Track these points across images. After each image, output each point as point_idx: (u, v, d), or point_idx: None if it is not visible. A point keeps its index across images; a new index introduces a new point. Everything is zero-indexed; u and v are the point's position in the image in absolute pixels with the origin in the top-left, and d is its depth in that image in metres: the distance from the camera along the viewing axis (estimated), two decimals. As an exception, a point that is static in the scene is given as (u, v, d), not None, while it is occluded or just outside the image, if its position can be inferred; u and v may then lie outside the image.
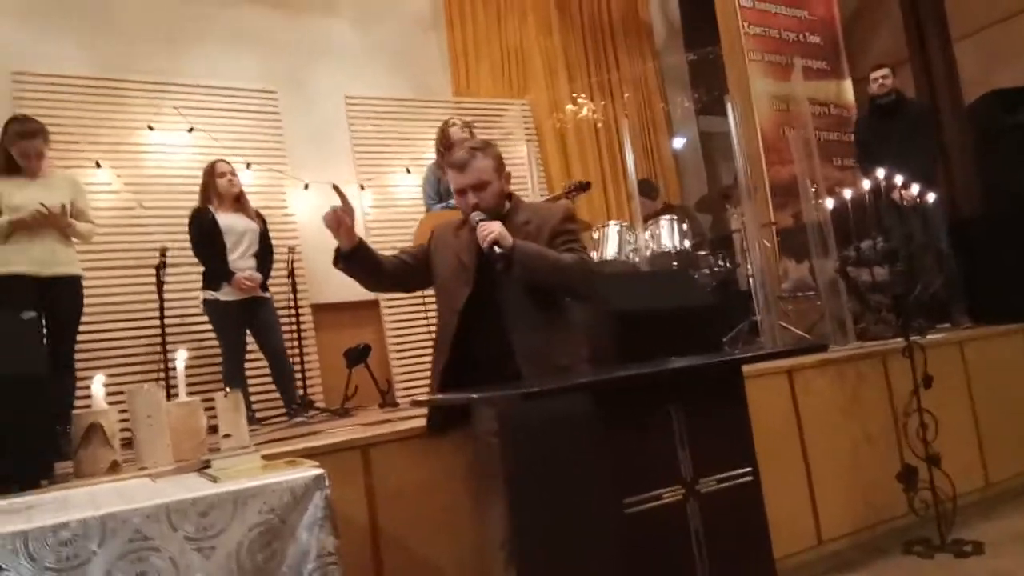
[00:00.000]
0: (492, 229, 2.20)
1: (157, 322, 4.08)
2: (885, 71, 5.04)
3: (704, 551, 1.59)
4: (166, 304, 4.11)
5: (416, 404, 2.27)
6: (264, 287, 4.16)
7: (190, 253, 4.16)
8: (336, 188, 2.32)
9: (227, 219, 4.11)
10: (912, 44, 6.27)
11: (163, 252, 4.14)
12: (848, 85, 6.21)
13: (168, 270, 4.15)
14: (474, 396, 1.70)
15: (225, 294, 4.02)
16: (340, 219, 2.24)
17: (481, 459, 2.25)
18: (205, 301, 4.07)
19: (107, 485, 2.03)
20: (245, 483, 1.62)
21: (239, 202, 4.20)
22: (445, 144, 4.28)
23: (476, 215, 2.29)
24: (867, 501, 3.23)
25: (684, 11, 7.40)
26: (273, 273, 4.30)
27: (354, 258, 2.32)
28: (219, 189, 4.13)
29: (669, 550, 1.57)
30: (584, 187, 3.43)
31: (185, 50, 5.24)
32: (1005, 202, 4.67)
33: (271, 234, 4.36)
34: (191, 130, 4.95)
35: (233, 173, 4.21)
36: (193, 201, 4.25)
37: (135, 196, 4.70)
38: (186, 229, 4.16)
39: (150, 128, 4.84)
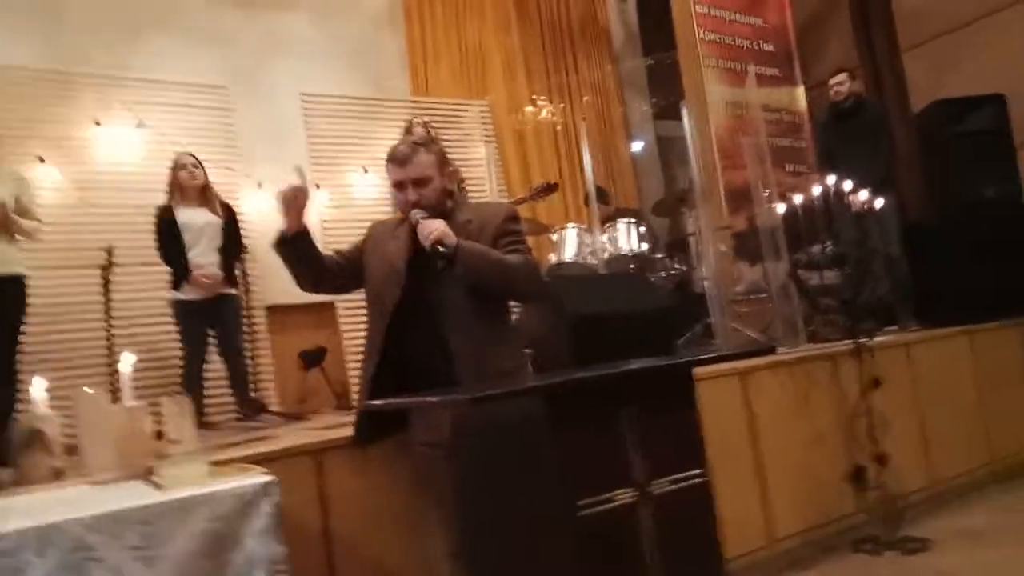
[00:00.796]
0: (434, 227, 2.11)
1: (103, 324, 3.97)
2: (843, 76, 5.17)
3: (655, 553, 1.60)
4: (114, 305, 4.00)
5: (357, 410, 2.17)
6: (232, 283, 4.07)
7: (139, 253, 4.06)
8: (298, 169, 2.26)
9: (186, 215, 4.00)
10: (862, 53, 6.43)
11: (109, 252, 4.03)
12: (800, 92, 6.34)
13: (117, 270, 4.04)
14: (426, 400, 1.68)
15: (187, 293, 3.93)
16: (296, 197, 2.19)
17: (419, 471, 2.18)
18: (171, 302, 3.98)
19: (49, 493, 1.96)
20: (190, 491, 1.58)
21: (204, 195, 4.09)
22: None
23: (417, 213, 2.20)
24: (818, 500, 3.29)
25: (642, 16, 7.47)
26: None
27: (297, 243, 2.25)
28: (180, 182, 4.03)
29: (621, 552, 1.58)
30: (551, 188, 3.40)
31: (135, 43, 5.10)
32: (951, 208, 4.81)
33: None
34: (140, 125, 4.82)
35: (195, 165, 4.09)
36: (141, 199, 4.14)
37: (81, 193, 4.56)
38: (134, 228, 4.06)
39: (97, 123, 4.70)
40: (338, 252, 2.48)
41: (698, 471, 1.68)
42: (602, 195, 5.78)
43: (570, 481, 1.51)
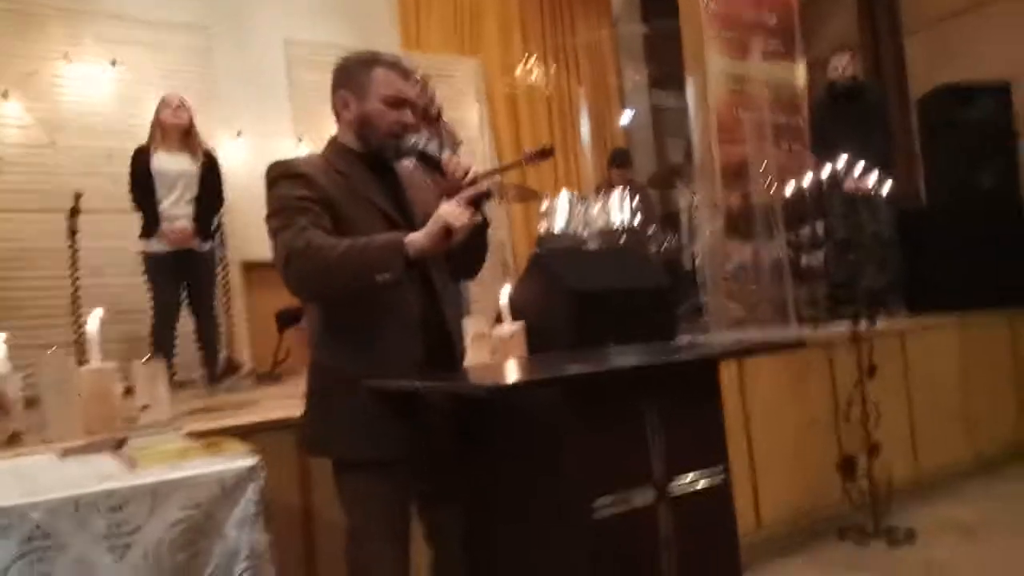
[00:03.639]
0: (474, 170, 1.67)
1: (68, 274, 3.74)
2: (846, 57, 5.02)
3: (672, 554, 1.50)
4: (82, 256, 3.77)
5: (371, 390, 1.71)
6: (207, 236, 3.86)
7: (111, 199, 3.83)
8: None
9: (164, 160, 3.78)
10: (864, 33, 6.31)
11: (77, 196, 3.78)
12: (801, 68, 6.19)
13: (84, 217, 3.80)
14: (441, 386, 1.54)
15: (157, 245, 3.73)
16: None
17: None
18: (141, 254, 3.78)
19: (5, 463, 1.79)
20: (166, 472, 1.43)
21: (186, 139, 3.85)
22: None
23: (438, 148, 1.75)
24: (806, 487, 3.25)
25: (643, -21, 7.24)
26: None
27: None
28: (162, 121, 3.78)
29: (637, 553, 1.48)
30: (547, 154, 3.20)
31: (110, -24, 4.79)
32: (948, 196, 4.75)
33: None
34: (114, 63, 4.53)
35: (180, 105, 3.84)
36: (114, 141, 3.91)
37: (48, 134, 4.28)
38: (104, 173, 3.82)
39: (66, 59, 4.41)
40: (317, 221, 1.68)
41: (720, 467, 1.57)
42: (626, 158, 5.61)
43: (587, 478, 1.39)
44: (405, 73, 1.79)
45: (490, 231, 1.82)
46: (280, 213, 1.62)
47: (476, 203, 1.62)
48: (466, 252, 1.73)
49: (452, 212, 1.55)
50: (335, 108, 1.81)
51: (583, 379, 1.42)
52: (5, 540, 1.25)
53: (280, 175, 1.68)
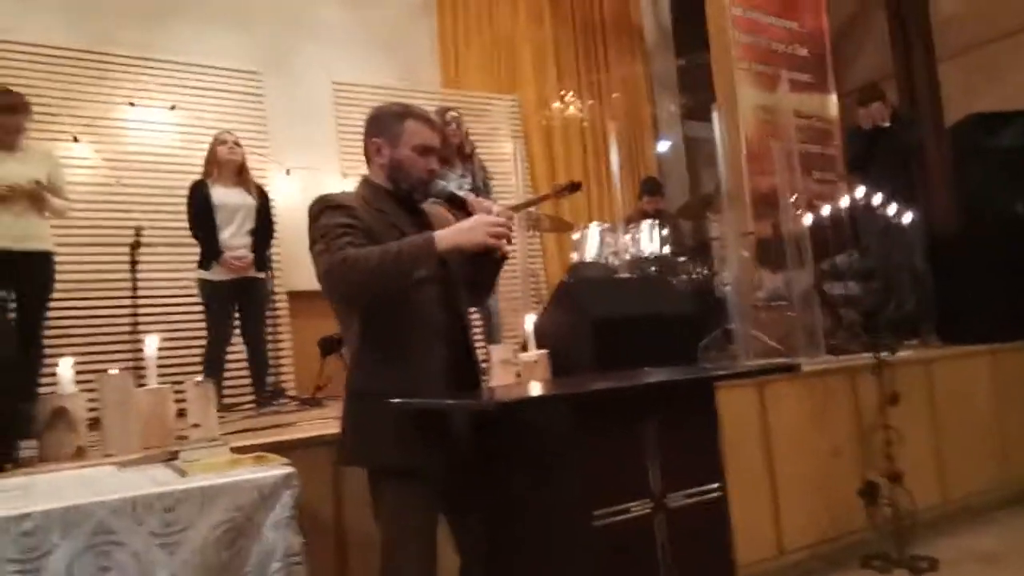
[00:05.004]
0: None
1: (129, 304, 4.02)
2: (875, 106, 4.95)
3: (669, 566, 1.61)
4: (141, 286, 4.05)
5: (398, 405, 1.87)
6: (262, 267, 4.09)
7: (169, 233, 4.11)
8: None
9: (222, 194, 4.01)
10: (898, 61, 6.35)
11: (138, 231, 4.07)
12: (833, 99, 6.26)
13: (144, 251, 4.09)
14: (451, 403, 1.69)
15: (215, 273, 3.94)
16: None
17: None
18: (198, 281, 4.00)
19: (71, 472, 2.00)
20: (213, 479, 1.61)
21: (240, 175, 4.10)
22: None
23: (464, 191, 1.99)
24: (829, 514, 3.28)
25: (675, 15, 7.41)
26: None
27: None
28: (219, 157, 4.02)
29: (634, 564, 1.59)
30: (575, 187, 3.36)
31: (170, 26, 5.15)
32: (982, 224, 4.73)
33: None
34: (173, 107, 4.87)
35: (236, 143, 4.11)
36: (173, 180, 4.19)
37: (113, 173, 4.63)
38: (163, 209, 4.10)
39: (131, 104, 4.77)
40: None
41: (716, 485, 1.68)
42: (656, 187, 5.76)
43: (588, 490, 1.52)
44: (432, 125, 2.02)
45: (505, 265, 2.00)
46: (324, 238, 1.81)
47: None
48: (477, 279, 1.95)
49: (487, 218, 1.79)
50: (367, 152, 2.02)
51: (583, 397, 1.56)
52: (75, 533, 1.45)
53: (324, 207, 1.87)
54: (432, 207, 2.07)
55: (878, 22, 6.47)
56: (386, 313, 1.82)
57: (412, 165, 1.94)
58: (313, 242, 1.84)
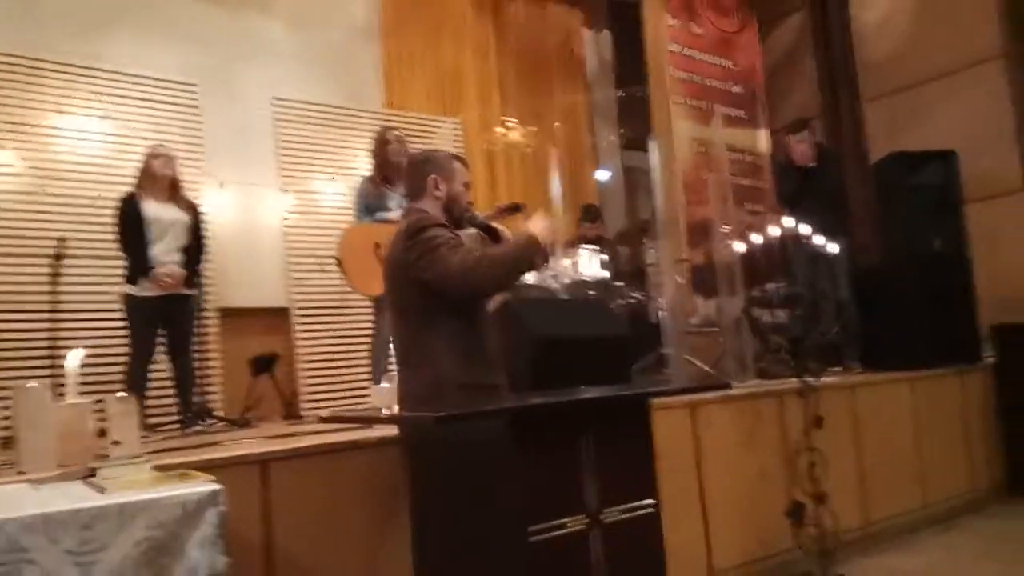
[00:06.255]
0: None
1: (49, 316, 3.85)
2: (804, 143, 5.08)
3: (602, 580, 1.61)
4: (63, 299, 3.88)
5: (327, 420, 2.05)
6: (192, 283, 3.98)
7: (94, 246, 3.95)
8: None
9: (154, 208, 3.90)
10: (825, 100, 6.64)
11: (61, 242, 3.91)
12: (764, 135, 6.52)
13: (68, 262, 3.92)
14: (387, 416, 1.67)
15: (143, 289, 3.82)
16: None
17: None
18: (123, 296, 3.86)
19: (-20, 489, 1.89)
20: (133, 495, 1.54)
21: (173, 190, 4.00)
22: (382, 157, 4.29)
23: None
24: (758, 533, 3.36)
25: (616, 49, 7.61)
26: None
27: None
28: (152, 171, 3.92)
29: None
30: (515, 209, 3.39)
31: (106, 34, 4.99)
32: (902, 257, 4.98)
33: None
34: (104, 117, 4.72)
35: (170, 157, 4.01)
36: (101, 191, 4.05)
37: (38, 181, 4.44)
38: (88, 220, 3.96)
39: (59, 112, 4.59)
40: None
41: (650, 501, 1.70)
42: (596, 213, 5.86)
43: (524, 505, 1.52)
44: (467, 165, 2.52)
45: None
46: (445, 244, 2.16)
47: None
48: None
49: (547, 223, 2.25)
50: (424, 187, 2.39)
51: (520, 412, 1.56)
52: (-19, 553, 1.36)
53: (427, 224, 2.23)
54: (466, 231, 2.48)
55: (808, 62, 6.78)
56: (470, 312, 2.26)
57: (462, 197, 2.41)
58: (433, 248, 2.16)
